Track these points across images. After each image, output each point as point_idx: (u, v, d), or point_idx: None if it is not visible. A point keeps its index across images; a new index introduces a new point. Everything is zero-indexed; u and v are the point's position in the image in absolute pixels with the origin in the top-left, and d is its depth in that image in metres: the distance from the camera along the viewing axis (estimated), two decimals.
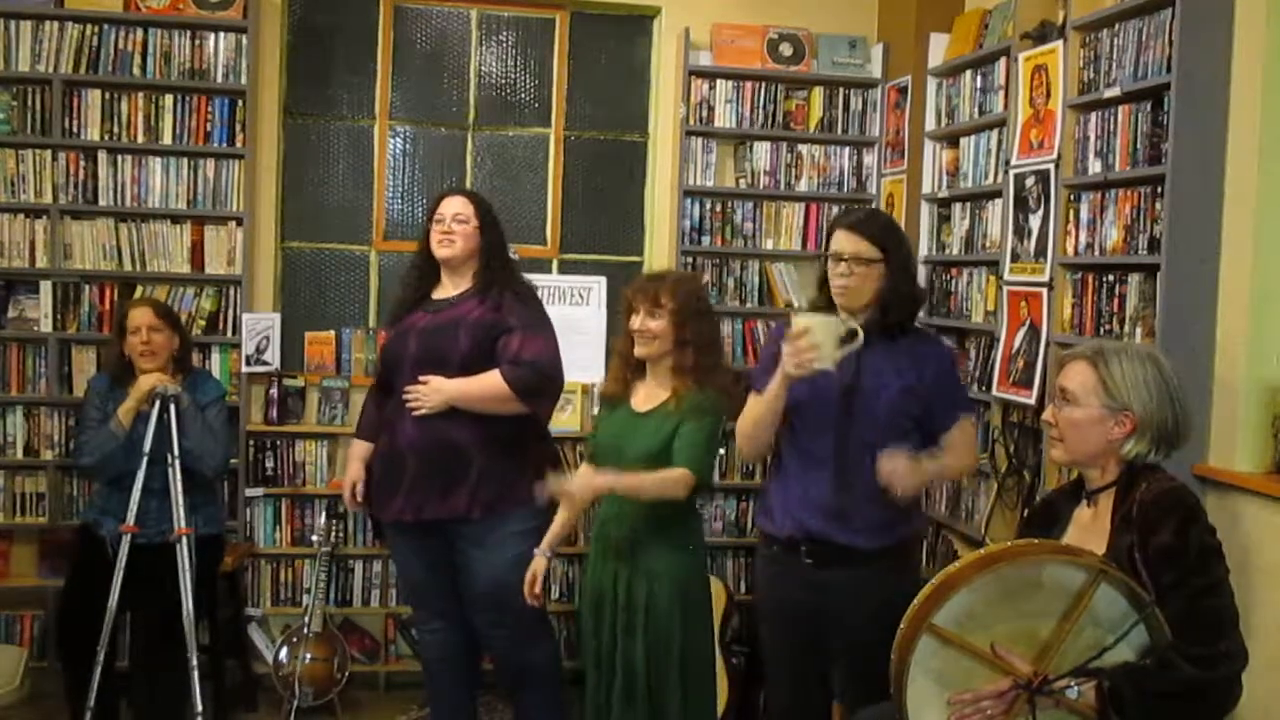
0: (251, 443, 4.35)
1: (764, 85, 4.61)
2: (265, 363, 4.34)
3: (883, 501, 2.57)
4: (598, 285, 4.55)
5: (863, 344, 2.50)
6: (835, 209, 4.66)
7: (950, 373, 2.72)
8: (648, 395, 2.93)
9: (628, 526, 2.88)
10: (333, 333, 4.52)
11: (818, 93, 4.64)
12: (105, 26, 4.22)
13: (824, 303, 2.70)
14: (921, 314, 4.26)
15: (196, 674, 3.34)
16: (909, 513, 2.69)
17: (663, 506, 2.83)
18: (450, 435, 3.14)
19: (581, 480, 2.86)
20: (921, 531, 2.80)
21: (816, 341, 2.42)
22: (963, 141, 4.09)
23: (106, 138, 4.24)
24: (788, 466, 2.73)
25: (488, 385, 3.11)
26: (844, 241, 2.61)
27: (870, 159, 4.68)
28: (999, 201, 3.77)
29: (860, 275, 2.59)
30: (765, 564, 2.83)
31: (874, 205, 4.63)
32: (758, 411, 2.64)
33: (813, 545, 2.64)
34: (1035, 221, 3.48)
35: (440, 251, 3.24)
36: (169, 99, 4.28)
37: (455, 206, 3.26)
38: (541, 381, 3.15)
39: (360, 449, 3.40)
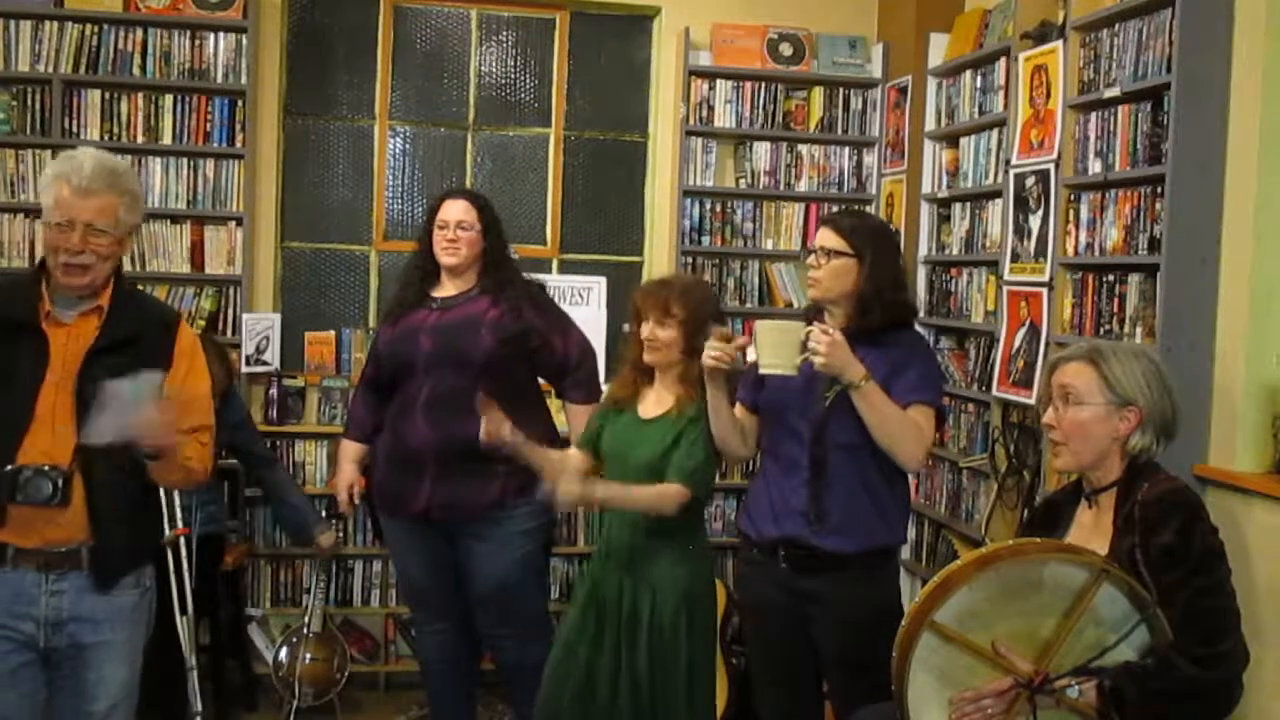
0: None
1: (764, 85, 4.61)
2: (265, 363, 4.34)
3: (860, 505, 2.58)
4: (598, 285, 4.55)
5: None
6: (835, 209, 4.66)
7: (909, 361, 2.60)
8: (654, 402, 2.87)
9: (629, 533, 2.83)
10: (333, 333, 4.52)
11: (818, 93, 4.64)
12: (105, 26, 4.22)
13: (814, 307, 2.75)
14: (922, 314, 4.29)
15: (195, 674, 3.34)
16: (887, 519, 2.66)
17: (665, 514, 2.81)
18: (469, 432, 3.13)
19: (572, 488, 2.74)
20: (898, 543, 2.76)
21: (751, 345, 2.51)
22: (963, 141, 4.10)
23: (106, 138, 4.24)
24: (766, 470, 2.74)
25: (580, 420, 3.22)
26: (819, 235, 2.66)
27: (870, 159, 4.68)
28: (999, 201, 3.77)
29: (828, 269, 2.60)
30: (744, 566, 2.84)
31: (874, 205, 4.64)
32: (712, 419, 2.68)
33: (790, 550, 2.63)
34: (1035, 221, 3.48)
35: (445, 260, 3.24)
36: (169, 99, 4.28)
37: (458, 213, 3.24)
38: (594, 370, 3.37)
39: (352, 450, 3.38)
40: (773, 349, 2.47)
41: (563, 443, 3.38)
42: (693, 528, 2.88)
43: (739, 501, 4.61)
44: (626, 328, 3.08)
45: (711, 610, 2.96)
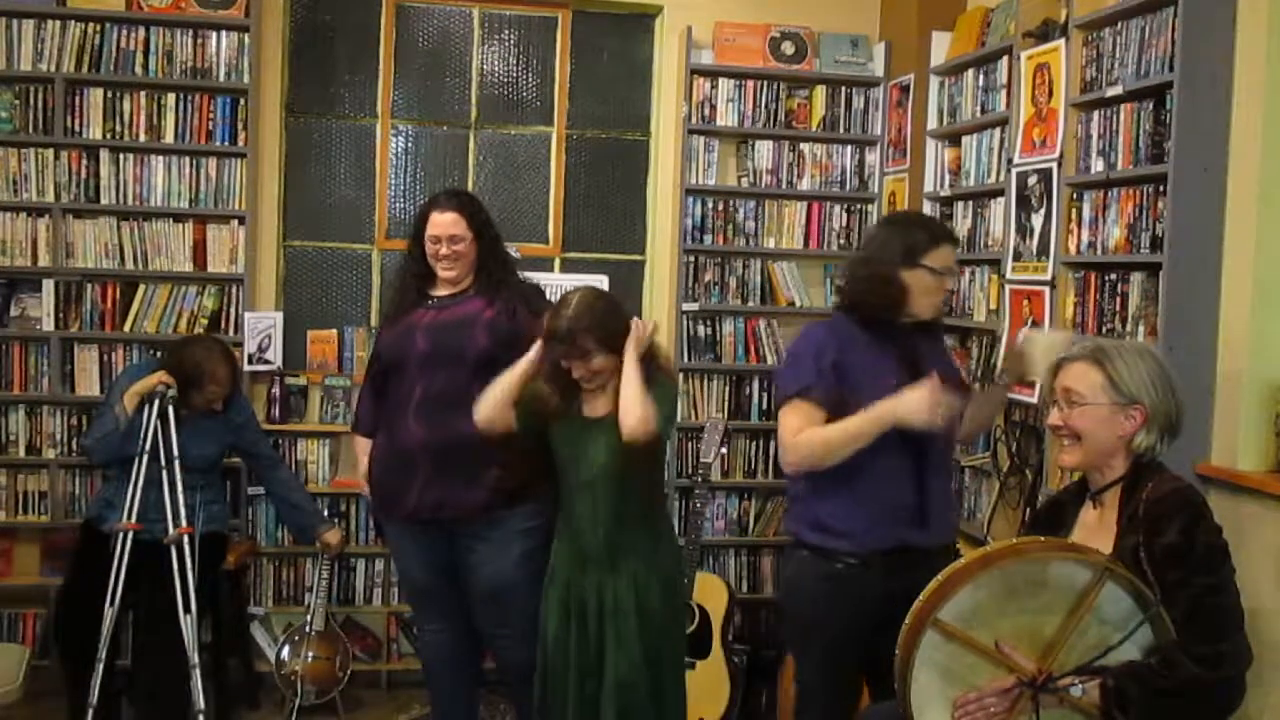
0: None
1: (766, 84, 4.61)
2: (267, 361, 4.35)
3: (948, 498, 2.74)
4: (599, 284, 4.55)
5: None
6: (837, 208, 4.67)
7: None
8: (600, 402, 2.90)
9: (603, 532, 2.85)
10: (335, 331, 4.52)
11: (820, 91, 4.64)
12: (107, 25, 4.22)
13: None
14: None
15: (198, 672, 3.34)
16: (955, 509, 2.87)
17: (632, 501, 2.85)
18: (462, 431, 3.13)
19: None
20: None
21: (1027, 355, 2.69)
22: (965, 140, 4.09)
23: (109, 136, 4.25)
24: (863, 477, 2.59)
25: None
26: (949, 256, 2.68)
27: (872, 158, 4.68)
28: (1001, 200, 3.77)
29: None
30: (831, 583, 2.63)
31: (876, 204, 4.64)
32: (851, 435, 2.52)
33: (893, 556, 2.58)
34: (1037, 220, 3.48)
35: (443, 275, 3.25)
36: (171, 98, 4.28)
37: (448, 227, 3.22)
38: None
39: (366, 445, 3.39)
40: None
41: None
42: (659, 507, 2.99)
43: (740, 500, 4.62)
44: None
45: (684, 590, 2.98)
